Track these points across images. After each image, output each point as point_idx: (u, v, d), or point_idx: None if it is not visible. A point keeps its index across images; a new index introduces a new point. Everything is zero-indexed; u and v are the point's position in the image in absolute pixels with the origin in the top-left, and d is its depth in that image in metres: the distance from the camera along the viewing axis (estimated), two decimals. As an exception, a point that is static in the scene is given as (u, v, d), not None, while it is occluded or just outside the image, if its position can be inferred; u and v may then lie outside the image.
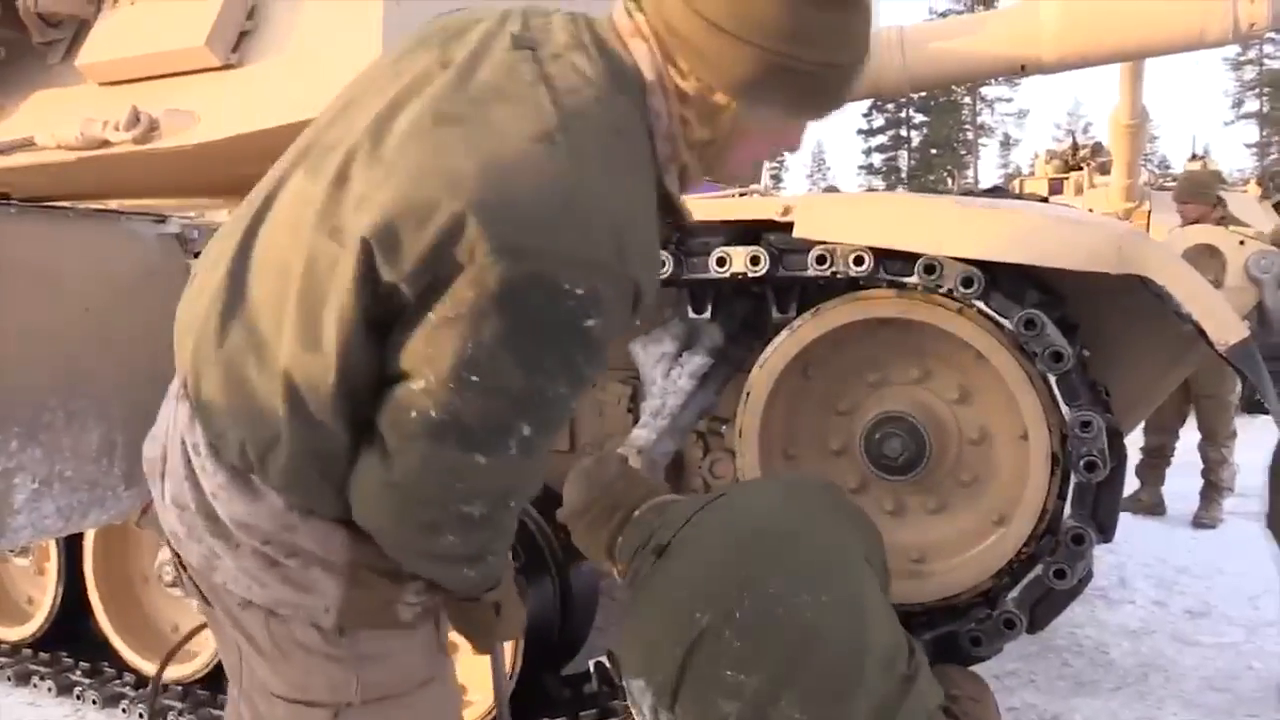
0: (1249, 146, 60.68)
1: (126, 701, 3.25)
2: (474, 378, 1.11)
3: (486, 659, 2.61)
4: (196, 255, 2.71)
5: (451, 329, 1.09)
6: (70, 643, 3.50)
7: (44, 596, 3.45)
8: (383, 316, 1.14)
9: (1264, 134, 60.43)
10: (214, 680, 3.17)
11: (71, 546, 3.34)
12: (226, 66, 3.10)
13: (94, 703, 3.31)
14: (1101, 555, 2.65)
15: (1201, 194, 5.81)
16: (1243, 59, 59.34)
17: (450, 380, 1.11)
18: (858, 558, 1.92)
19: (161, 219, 2.70)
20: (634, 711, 1.97)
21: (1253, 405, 7.19)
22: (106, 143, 3.14)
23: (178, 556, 1.35)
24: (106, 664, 3.40)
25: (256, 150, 3.04)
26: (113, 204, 3.10)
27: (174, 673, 3.22)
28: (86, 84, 3.30)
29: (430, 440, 1.13)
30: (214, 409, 1.23)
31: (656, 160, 1.24)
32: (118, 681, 3.34)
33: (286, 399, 1.17)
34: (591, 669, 2.73)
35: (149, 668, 3.28)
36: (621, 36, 1.23)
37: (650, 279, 1.20)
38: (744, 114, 1.22)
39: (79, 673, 3.40)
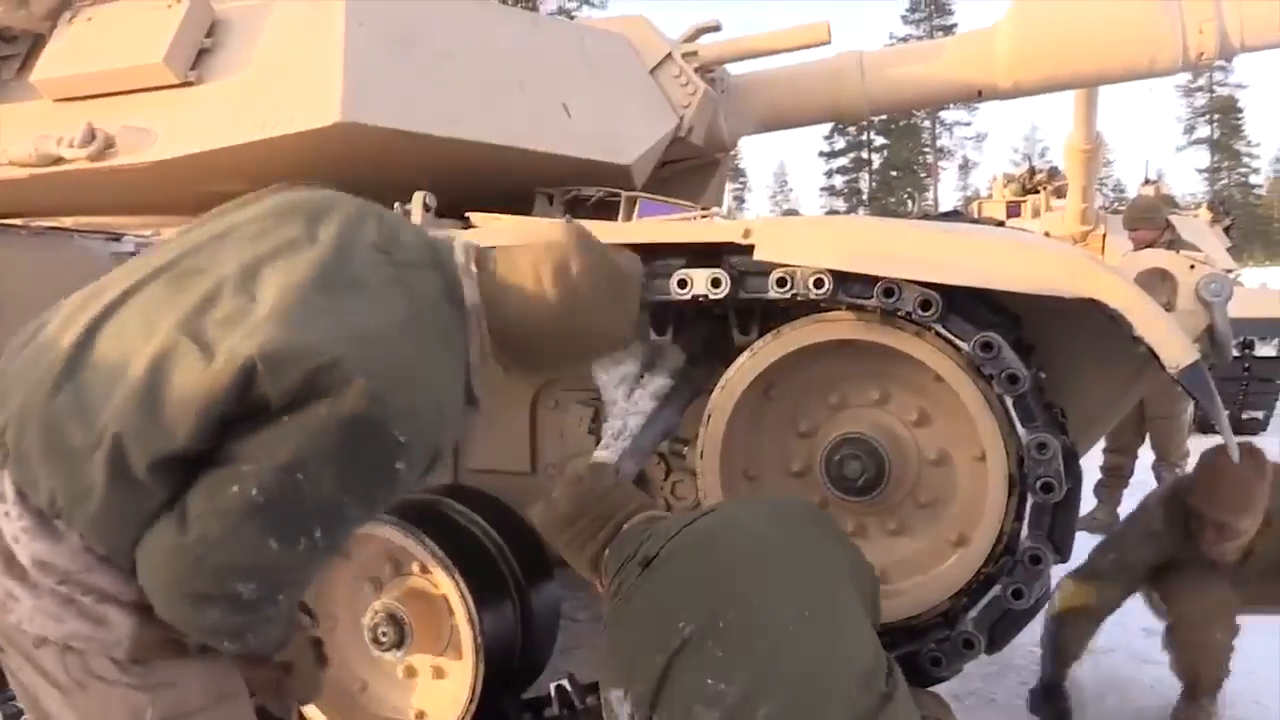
0: (1200, 171, 61.99)
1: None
2: (299, 475, 1.30)
3: (446, 685, 2.60)
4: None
5: (297, 434, 1.31)
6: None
7: None
8: (233, 414, 1.33)
9: (1215, 159, 61.78)
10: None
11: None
12: (185, 84, 3.07)
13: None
14: (1059, 575, 2.67)
15: (1149, 219, 5.91)
16: (1194, 86, 60.72)
17: (280, 469, 1.30)
18: (841, 577, 1.94)
19: (116, 237, 2.67)
20: (610, 711, 1.96)
21: (1206, 425, 7.31)
22: (61, 160, 3.10)
23: None
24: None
25: (214, 168, 3.02)
26: (67, 222, 3.05)
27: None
28: (41, 100, 3.26)
29: (238, 515, 1.29)
30: (30, 458, 1.34)
31: (469, 365, 1.54)
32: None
33: (109, 458, 1.30)
34: (552, 692, 2.70)
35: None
36: (461, 273, 1.56)
37: (446, 449, 1.49)
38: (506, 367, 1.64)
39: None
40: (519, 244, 1.67)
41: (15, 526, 1.35)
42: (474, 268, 1.59)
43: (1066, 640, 3.05)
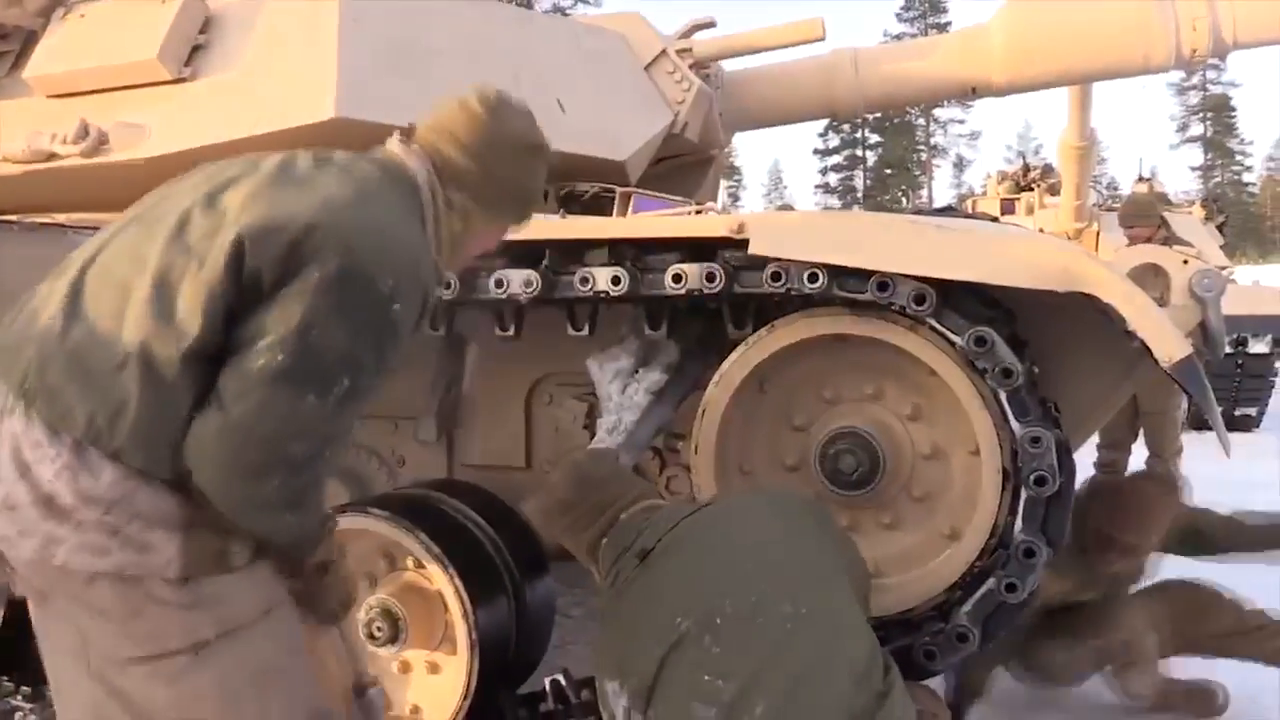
0: (1194, 169, 62.11)
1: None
2: (314, 332, 1.43)
3: (441, 680, 2.60)
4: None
5: (300, 299, 1.43)
6: (11, 668, 3.41)
7: (-15, 620, 3.37)
8: (236, 301, 1.45)
9: (1208, 157, 61.91)
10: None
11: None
12: (178, 80, 3.06)
13: (35, 728, 3.23)
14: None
15: (1145, 217, 5.93)
16: (1187, 84, 60.83)
17: (293, 335, 1.42)
18: (838, 573, 1.94)
19: (110, 233, 2.65)
20: (605, 715, 1.96)
21: (1199, 422, 7.33)
22: (54, 155, 3.09)
23: (6, 563, 1.51)
24: (48, 689, 3.31)
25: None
26: (60, 218, 3.04)
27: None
28: (34, 96, 3.25)
29: (271, 384, 1.41)
30: (60, 391, 1.43)
31: (428, 236, 1.67)
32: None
33: (139, 367, 1.42)
34: (547, 687, 2.71)
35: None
36: (395, 155, 1.70)
37: (431, 299, 1.62)
38: (482, 220, 1.76)
39: (20, 697, 3.32)
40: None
41: (52, 469, 1.42)
42: (414, 148, 1.72)
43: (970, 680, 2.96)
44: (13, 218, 2.89)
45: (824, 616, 1.83)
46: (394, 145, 1.73)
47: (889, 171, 61.39)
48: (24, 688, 3.32)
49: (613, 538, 2.06)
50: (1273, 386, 8.80)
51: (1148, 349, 2.09)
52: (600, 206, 3.33)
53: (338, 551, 1.71)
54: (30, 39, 3.31)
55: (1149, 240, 5.57)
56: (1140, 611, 3.00)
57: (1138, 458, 5.60)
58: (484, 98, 1.78)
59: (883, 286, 2.22)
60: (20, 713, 3.25)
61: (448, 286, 1.93)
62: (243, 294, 1.45)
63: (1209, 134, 61.47)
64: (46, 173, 3.14)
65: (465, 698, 2.60)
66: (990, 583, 2.25)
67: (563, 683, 2.67)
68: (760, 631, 1.79)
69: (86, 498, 1.41)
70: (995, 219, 8.26)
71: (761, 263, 2.31)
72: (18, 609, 3.23)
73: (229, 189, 1.55)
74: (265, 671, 1.54)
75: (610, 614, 1.99)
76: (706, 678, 1.77)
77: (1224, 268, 9.22)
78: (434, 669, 2.74)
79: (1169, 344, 2.07)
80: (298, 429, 1.44)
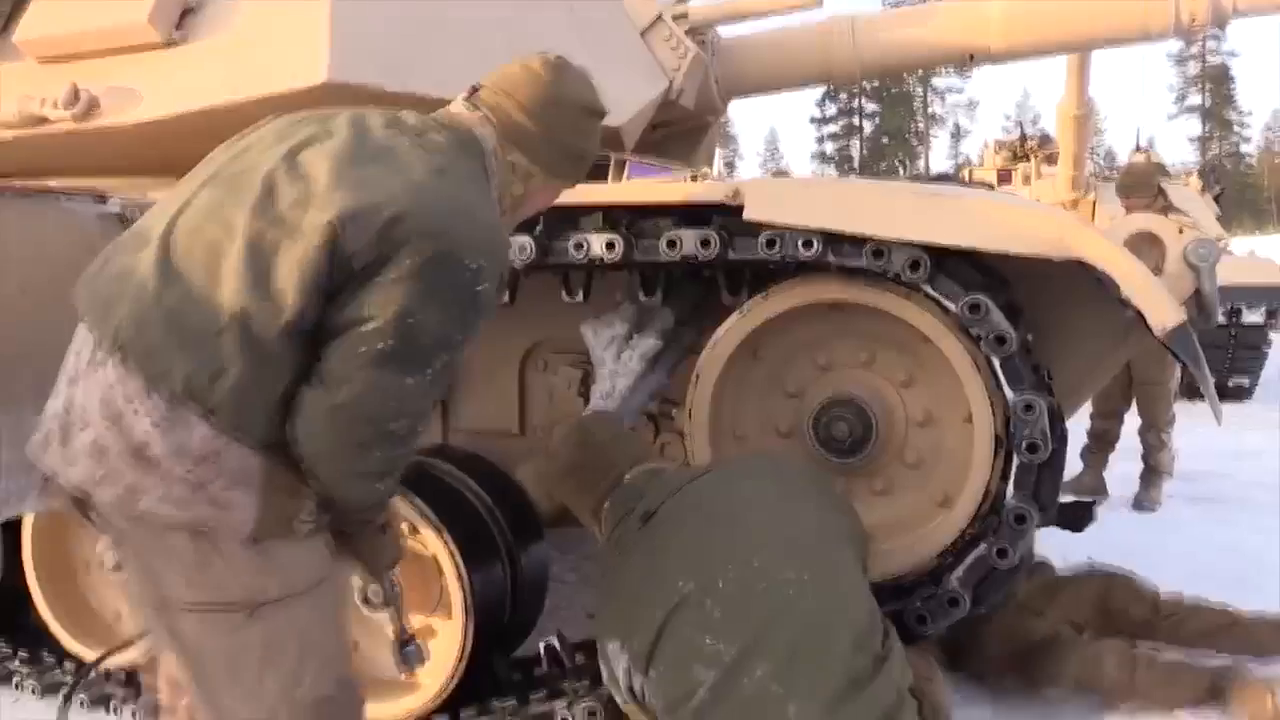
0: (1191, 140, 61.92)
1: (67, 689, 3.19)
2: (410, 320, 1.51)
3: (436, 644, 2.62)
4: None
5: (397, 285, 1.51)
6: (9, 631, 3.43)
7: (-19, 585, 3.38)
8: (328, 282, 1.52)
9: (1206, 128, 61.71)
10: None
11: (9, 533, 3.26)
12: (169, 44, 3.03)
13: (33, 691, 3.24)
14: (1043, 536, 2.70)
15: (1143, 186, 5.91)
16: (1186, 54, 60.51)
17: (394, 320, 1.50)
18: (841, 538, 1.96)
19: (102, 198, 2.64)
20: (605, 672, 1.99)
21: (1192, 391, 7.36)
22: (45, 120, 3.07)
23: (85, 505, 1.59)
24: (46, 652, 3.33)
25: (199, 129, 2.99)
26: (52, 183, 3.02)
27: (115, 660, 3.17)
28: (25, 60, 3.22)
29: (374, 367, 1.51)
30: (157, 350, 1.50)
31: (497, 201, 1.77)
32: (58, 670, 3.28)
33: (238, 334, 1.49)
34: (541, 651, 2.73)
35: (90, 655, 3.22)
36: (463, 122, 1.77)
37: (506, 270, 1.71)
38: (542, 180, 1.83)
39: (17, 661, 3.33)
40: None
41: (146, 422, 1.50)
42: (480, 109, 1.79)
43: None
44: (3, 182, 2.87)
45: (826, 582, 1.85)
46: (459, 107, 1.80)
47: (886, 140, 61.15)
48: (21, 652, 3.34)
49: (615, 500, 2.07)
50: (1266, 357, 8.82)
51: (1141, 317, 2.09)
52: (595, 172, 3.31)
53: (392, 515, 1.87)
54: (20, 3, 3.27)
55: (1146, 210, 5.56)
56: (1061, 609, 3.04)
57: (1129, 428, 5.63)
58: (546, 60, 1.83)
59: (877, 253, 2.22)
60: (17, 676, 3.27)
61: (521, 252, 2.00)
62: (335, 274, 1.52)
63: (1207, 104, 61.23)
64: (37, 137, 3.12)
65: (460, 661, 2.61)
66: (981, 548, 2.27)
67: (557, 646, 2.70)
68: (762, 596, 1.81)
69: (177, 452, 1.49)
70: (991, 188, 8.25)
71: (756, 229, 2.30)
72: (13, 578, 3.25)
73: (307, 150, 1.63)
74: (307, 638, 1.64)
75: (612, 575, 2.01)
76: (708, 640, 1.80)
77: (1220, 238, 9.22)
78: (429, 633, 2.75)
79: (1163, 312, 2.07)
80: (399, 408, 1.56)
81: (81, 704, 2.95)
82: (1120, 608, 3.12)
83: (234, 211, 1.56)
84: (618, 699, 2.02)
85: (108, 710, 3.00)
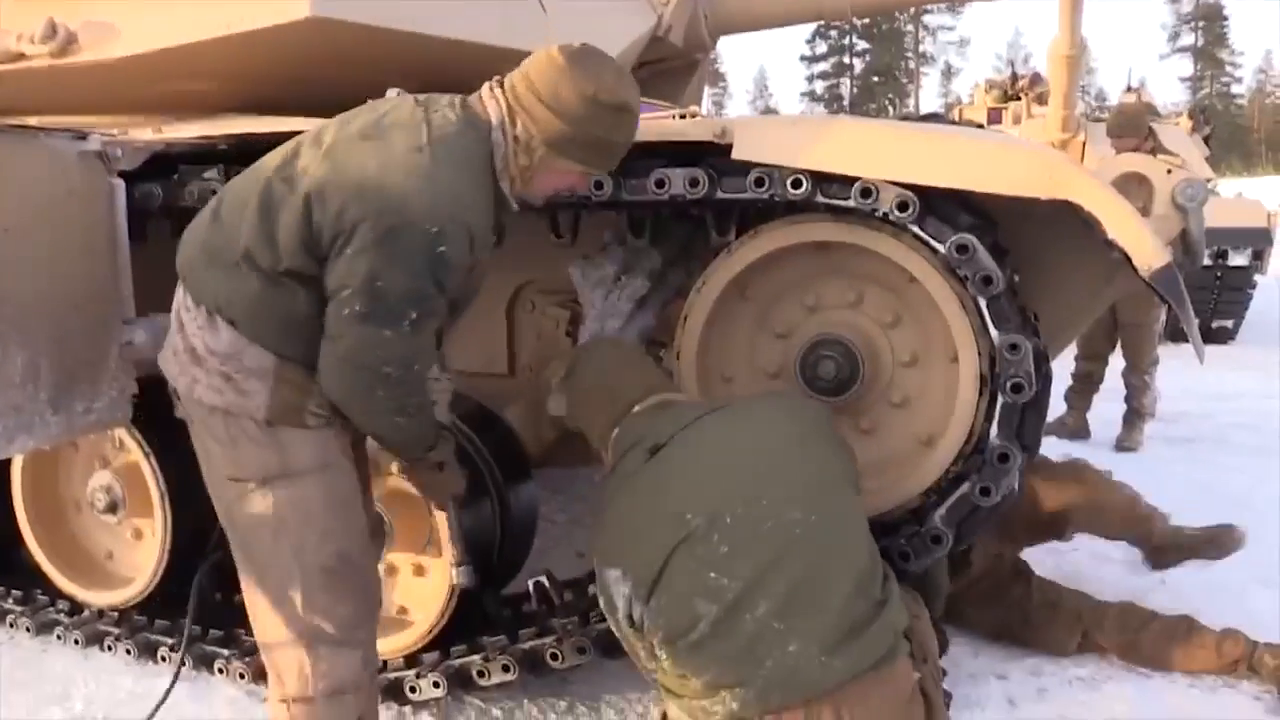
0: (1183, 80, 61.50)
1: (60, 629, 3.22)
2: (378, 282, 1.81)
3: (426, 582, 2.66)
4: (120, 174, 2.63)
5: (361, 255, 1.81)
6: (1, 571, 3.45)
7: (-29, 525, 3.39)
8: (308, 240, 1.87)
9: (1198, 68, 61.25)
10: (149, 607, 3.16)
11: (-1, 474, 3.27)
12: (148, -23, 2.96)
13: (27, 630, 3.28)
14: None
15: (1133, 127, 5.89)
16: (1180, -8, 59.78)
17: (363, 285, 1.81)
18: (847, 480, 1.99)
19: (82, 136, 2.60)
20: (602, 599, 2.02)
21: (1176, 333, 7.41)
22: (22, 56, 3.01)
23: (174, 391, 2.07)
24: (39, 591, 3.36)
25: (180, 66, 2.95)
26: (31, 120, 2.97)
27: (108, 599, 3.20)
28: (-1, -6, 3.15)
29: (357, 324, 1.84)
30: (201, 275, 1.98)
31: (494, 172, 1.98)
32: (51, 609, 3.31)
33: (250, 267, 1.90)
34: (530, 588, 2.76)
35: (82, 594, 3.25)
36: (482, 100, 2.01)
37: (482, 231, 1.92)
38: (549, 157, 1.97)
39: (11, 601, 3.36)
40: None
41: (193, 326, 1.97)
42: (497, 92, 2.01)
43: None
44: (-19, 119, 2.82)
45: (831, 524, 1.88)
46: (484, 89, 2.03)
47: (876, 79, 60.52)
48: (14, 591, 3.37)
49: (625, 427, 2.10)
50: (1250, 299, 8.87)
51: (1128, 257, 2.10)
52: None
53: (451, 454, 2.22)
54: (-8, -67, 3.19)
55: (1136, 151, 5.55)
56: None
57: (1113, 369, 5.67)
58: (569, 49, 1.98)
59: (866, 193, 2.21)
60: (10, 615, 3.30)
61: (525, 207, 2.10)
62: (313, 239, 1.85)
63: (1200, 44, 60.69)
64: (15, 74, 3.06)
65: (450, 598, 2.65)
66: (965, 487, 2.29)
67: (546, 584, 2.73)
68: (768, 534, 1.83)
69: (211, 351, 1.95)
70: (981, 127, 8.19)
71: (745, 168, 2.29)
72: (4, 518, 3.26)
73: (333, 128, 1.96)
74: (306, 512, 1.99)
75: (615, 504, 2.03)
76: (712, 575, 1.82)
77: (1209, 180, 9.21)
78: (419, 571, 2.79)
79: (1148, 252, 2.07)
80: (386, 355, 1.86)
81: (77, 643, 2.96)
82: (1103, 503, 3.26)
83: (266, 167, 1.96)
84: (613, 626, 2.05)
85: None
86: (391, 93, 2.08)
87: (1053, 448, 5.07)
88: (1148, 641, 2.93)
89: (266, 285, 1.90)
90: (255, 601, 2.06)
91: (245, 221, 1.90)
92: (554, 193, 2.10)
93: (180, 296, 2.03)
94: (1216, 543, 3.42)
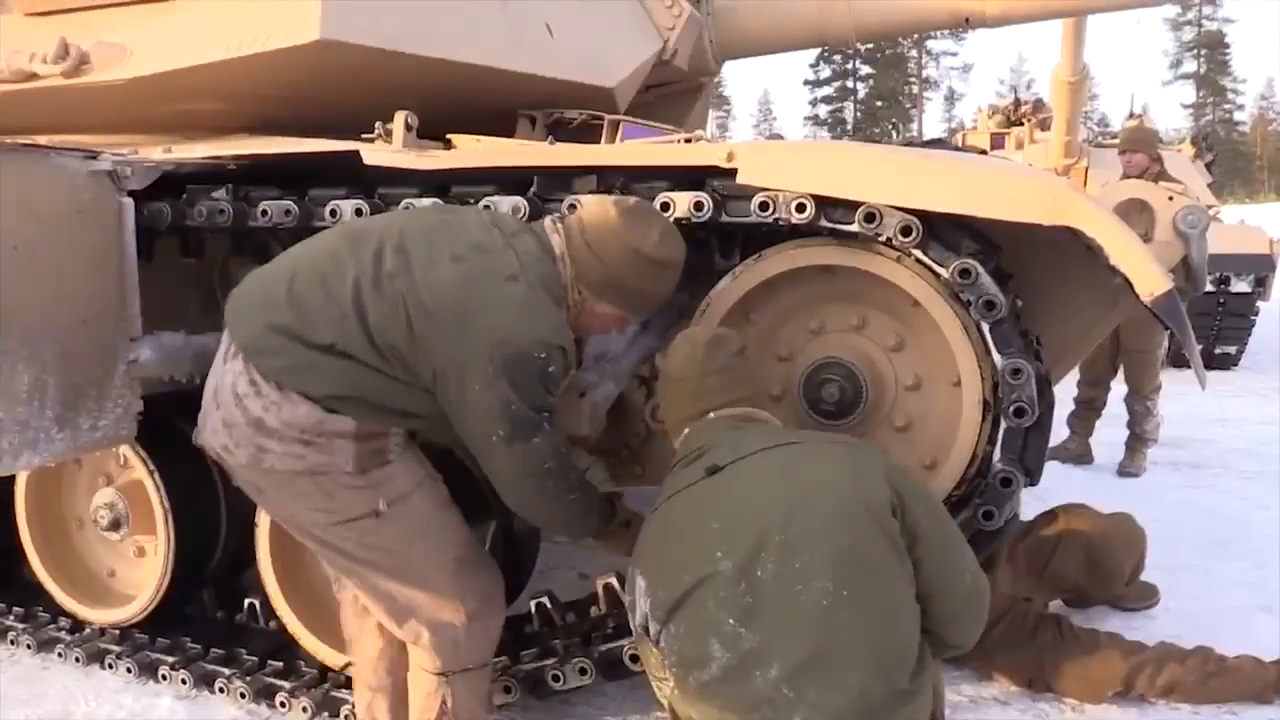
0: (1185, 106, 61.73)
1: (62, 646, 3.22)
2: (512, 406, 2.03)
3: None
4: (129, 193, 2.65)
5: (488, 389, 2.01)
6: (3, 588, 3.46)
7: (-26, 541, 3.39)
8: (406, 344, 2.04)
9: (1200, 95, 61.48)
10: (151, 624, 3.16)
11: (3, 490, 3.28)
12: (160, -1, 3.00)
13: (28, 647, 3.27)
14: (1030, 501, 2.73)
15: (1146, 143, 5.92)
16: (1182, 20, 60.17)
17: (501, 412, 2.03)
18: (899, 557, 1.84)
19: (93, 155, 2.63)
20: (626, 599, 2.04)
21: (1179, 359, 7.40)
22: (34, 75, 3.04)
23: (225, 464, 2.18)
24: (40, 609, 3.36)
25: (190, 87, 2.97)
26: (42, 140, 3.00)
27: (110, 617, 3.20)
28: (13, 14, 3.18)
29: (506, 445, 2.06)
30: (274, 354, 2.06)
31: (565, 297, 2.17)
32: (52, 626, 3.31)
33: (339, 357, 2.03)
34: (533, 609, 2.76)
35: (84, 612, 3.25)
36: (549, 234, 2.19)
37: (571, 350, 2.10)
38: (589, 298, 2.19)
39: (12, 617, 3.36)
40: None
41: (263, 401, 2.05)
42: (559, 225, 2.20)
43: None
44: (-7, 138, 2.85)
45: (864, 603, 1.78)
46: (547, 221, 2.23)
47: (880, 104, 60.79)
48: (16, 608, 3.37)
49: (694, 430, 2.07)
50: (1253, 326, 8.87)
51: (1130, 284, 2.10)
52: (588, 134, 3.30)
53: (630, 511, 2.39)
54: (6, -46, 3.23)
55: (1146, 170, 5.58)
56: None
57: (1115, 394, 5.68)
58: (623, 203, 2.19)
59: (870, 218, 2.22)
60: (12, 632, 3.29)
61: (578, 343, 2.25)
62: (417, 345, 2.02)
63: (1202, 71, 60.96)
64: (27, 93, 3.09)
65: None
66: (967, 511, 2.29)
67: (548, 605, 2.73)
68: (795, 598, 1.76)
69: (288, 423, 2.05)
70: (984, 153, 8.23)
71: (750, 192, 2.30)
72: (7, 535, 3.26)
73: (415, 237, 2.10)
74: (426, 520, 2.23)
75: (666, 507, 1.99)
76: (731, 621, 1.78)
77: (1211, 206, 9.23)
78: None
79: (1150, 279, 2.08)
80: (541, 456, 2.08)
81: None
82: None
83: (349, 261, 2.07)
84: (633, 627, 2.05)
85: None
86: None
87: (1055, 472, 5.08)
88: (1189, 682, 2.90)
89: (352, 370, 2.03)
90: (404, 603, 2.24)
91: (333, 313, 2.03)
92: (599, 332, 2.29)
93: (240, 369, 2.09)
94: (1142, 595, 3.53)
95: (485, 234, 2.11)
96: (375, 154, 2.61)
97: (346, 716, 2.79)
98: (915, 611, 1.86)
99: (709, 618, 1.81)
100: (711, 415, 2.08)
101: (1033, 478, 2.29)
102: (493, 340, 1.99)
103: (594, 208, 2.18)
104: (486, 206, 2.42)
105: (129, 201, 2.65)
